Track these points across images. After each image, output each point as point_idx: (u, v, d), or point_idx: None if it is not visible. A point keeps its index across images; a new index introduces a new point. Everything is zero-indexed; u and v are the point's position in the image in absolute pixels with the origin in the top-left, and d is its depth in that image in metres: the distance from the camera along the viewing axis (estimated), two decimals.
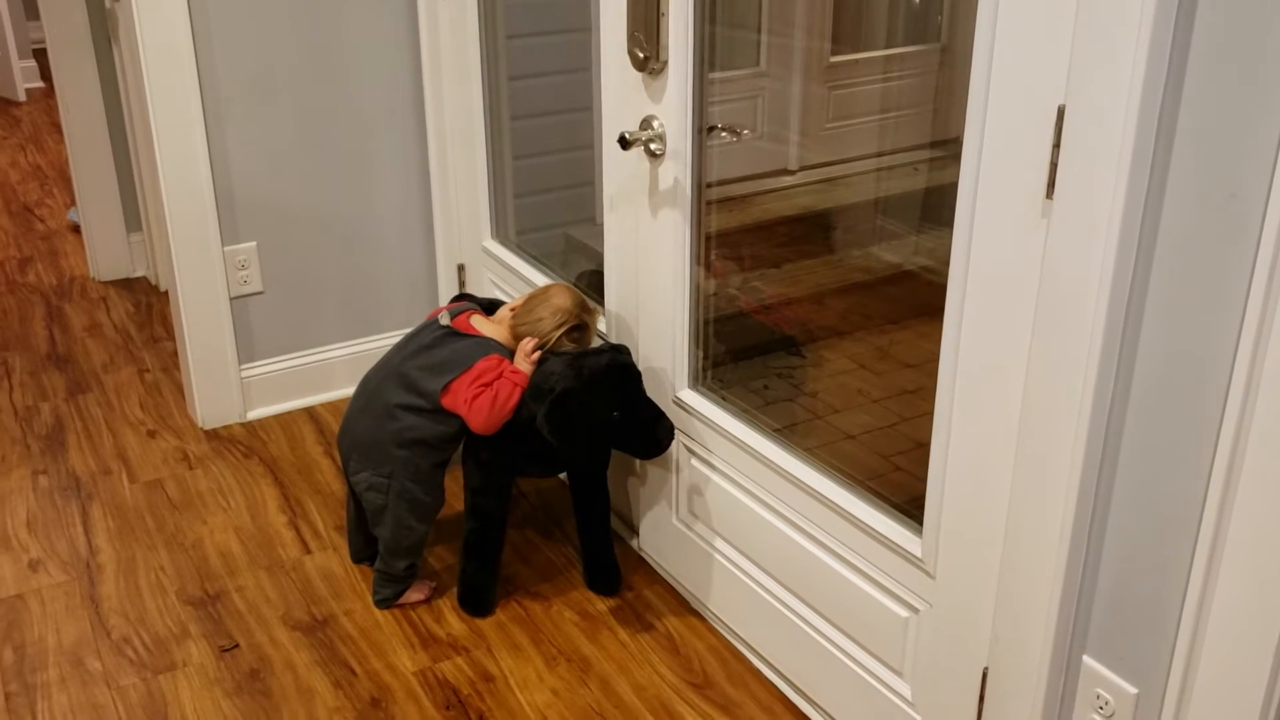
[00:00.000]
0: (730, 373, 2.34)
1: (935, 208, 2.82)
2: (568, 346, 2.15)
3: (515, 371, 2.10)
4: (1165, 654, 1.35)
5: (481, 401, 2.06)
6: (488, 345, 2.13)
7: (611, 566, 2.32)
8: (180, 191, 2.70)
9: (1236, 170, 1.17)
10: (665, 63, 1.93)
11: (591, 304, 2.24)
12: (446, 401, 2.10)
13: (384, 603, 2.27)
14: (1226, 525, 1.24)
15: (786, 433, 2.12)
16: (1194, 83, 1.19)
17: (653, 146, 1.99)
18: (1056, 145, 1.31)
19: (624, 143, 1.99)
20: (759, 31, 2.80)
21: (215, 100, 2.68)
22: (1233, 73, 1.16)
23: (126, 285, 3.80)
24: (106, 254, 3.81)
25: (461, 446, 2.20)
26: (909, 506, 1.78)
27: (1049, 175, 1.33)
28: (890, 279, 2.91)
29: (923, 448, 1.75)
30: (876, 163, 2.99)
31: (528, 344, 2.12)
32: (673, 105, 1.95)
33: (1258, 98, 1.13)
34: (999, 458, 1.50)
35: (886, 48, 2.99)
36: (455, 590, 2.29)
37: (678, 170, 1.99)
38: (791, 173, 3.08)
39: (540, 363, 2.11)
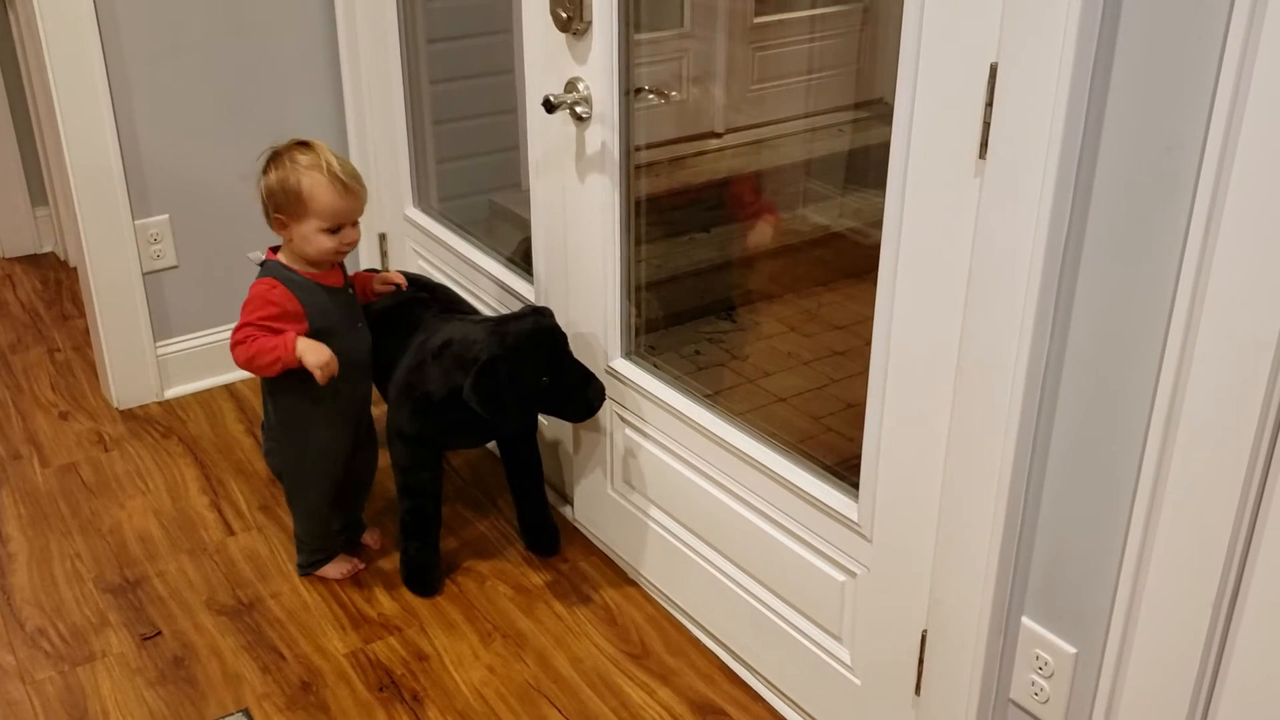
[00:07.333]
0: (660, 339, 2.31)
1: (860, 169, 2.81)
2: (299, 156, 1.96)
3: (275, 336, 1.95)
4: (1104, 613, 1.35)
5: (240, 351, 1.97)
6: (268, 268, 2.02)
7: (550, 526, 2.30)
8: (86, 163, 2.58)
9: (1172, 122, 1.16)
10: (589, 23, 1.88)
11: (301, 140, 2.01)
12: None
13: (299, 569, 2.24)
14: (1165, 480, 1.23)
15: (718, 398, 2.09)
16: (1127, 35, 1.17)
17: (578, 110, 1.94)
18: (989, 104, 1.29)
19: (549, 106, 1.93)
20: None
21: (120, 64, 2.56)
22: (1167, 23, 1.14)
23: (33, 261, 3.65)
24: (10, 229, 3.65)
25: (387, 427, 2.15)
26: (841, 468, 1.77)
27: (981, 134, 1.31)
28: (818, 241, 2.90)
29: (852, 408, 1.74)
30: (803, 124, 2.96)
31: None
32: (598, 67, 1.90)
33: (1193, 47, 1.12)
34: (934, 419, 1.49)
35: (810, 7, 2.96)
36: (396, 571, 2.24)
37: (605, 134, 1.94)
38: (719, 135, 3.05)
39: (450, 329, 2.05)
